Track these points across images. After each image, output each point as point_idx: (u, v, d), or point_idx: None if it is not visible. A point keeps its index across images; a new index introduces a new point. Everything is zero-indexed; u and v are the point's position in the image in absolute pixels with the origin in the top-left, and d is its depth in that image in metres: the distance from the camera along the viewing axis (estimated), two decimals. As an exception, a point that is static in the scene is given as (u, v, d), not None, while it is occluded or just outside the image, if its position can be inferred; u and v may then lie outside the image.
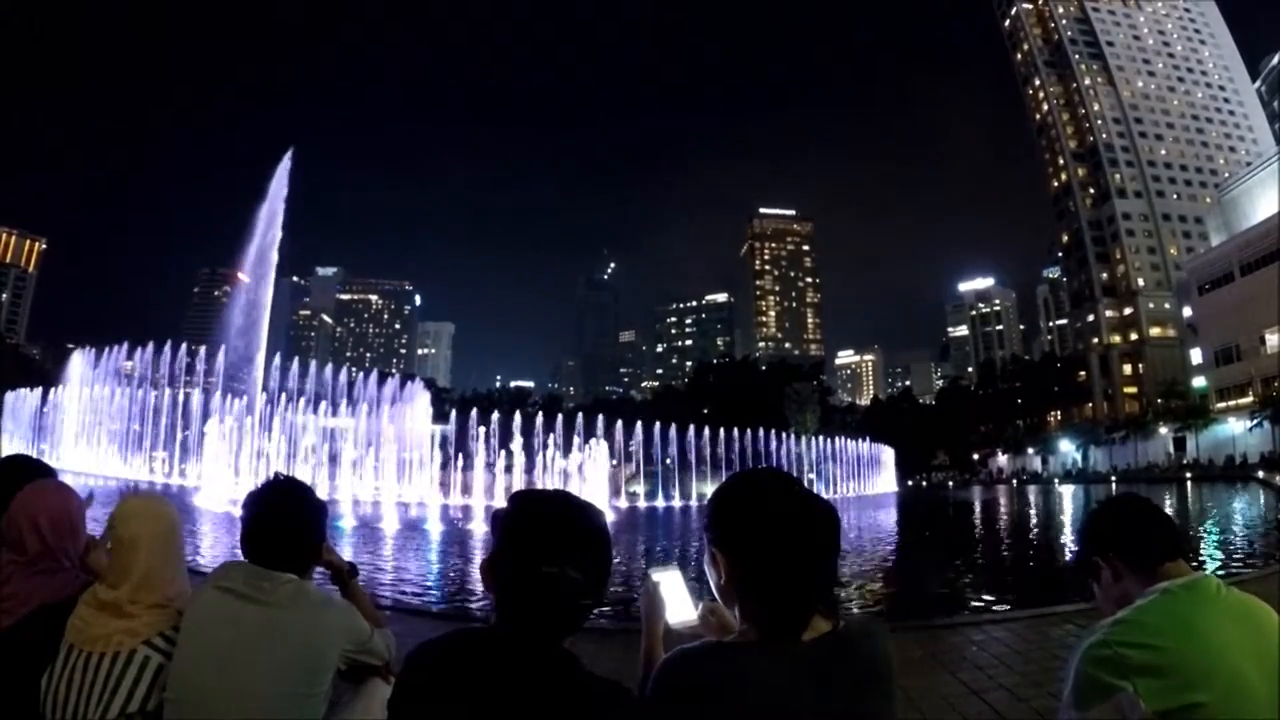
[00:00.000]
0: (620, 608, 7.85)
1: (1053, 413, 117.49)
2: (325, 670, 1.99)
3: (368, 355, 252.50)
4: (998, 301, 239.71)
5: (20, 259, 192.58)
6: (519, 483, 39.25)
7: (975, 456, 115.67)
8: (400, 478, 39.85)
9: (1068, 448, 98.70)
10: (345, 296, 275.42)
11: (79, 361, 44.70)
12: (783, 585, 1.38)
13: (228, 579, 2.01)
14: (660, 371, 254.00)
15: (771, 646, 1.36)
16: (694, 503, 46.09)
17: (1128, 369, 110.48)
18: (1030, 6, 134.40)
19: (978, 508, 36.85)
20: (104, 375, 42.09)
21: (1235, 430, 73.52)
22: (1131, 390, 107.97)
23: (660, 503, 48.20)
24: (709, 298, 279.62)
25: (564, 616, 1.40)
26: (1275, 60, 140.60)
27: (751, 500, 1.45)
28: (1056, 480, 79.35)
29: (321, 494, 2.23)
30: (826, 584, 1.44)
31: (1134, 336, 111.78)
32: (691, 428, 53.78)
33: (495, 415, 44.36)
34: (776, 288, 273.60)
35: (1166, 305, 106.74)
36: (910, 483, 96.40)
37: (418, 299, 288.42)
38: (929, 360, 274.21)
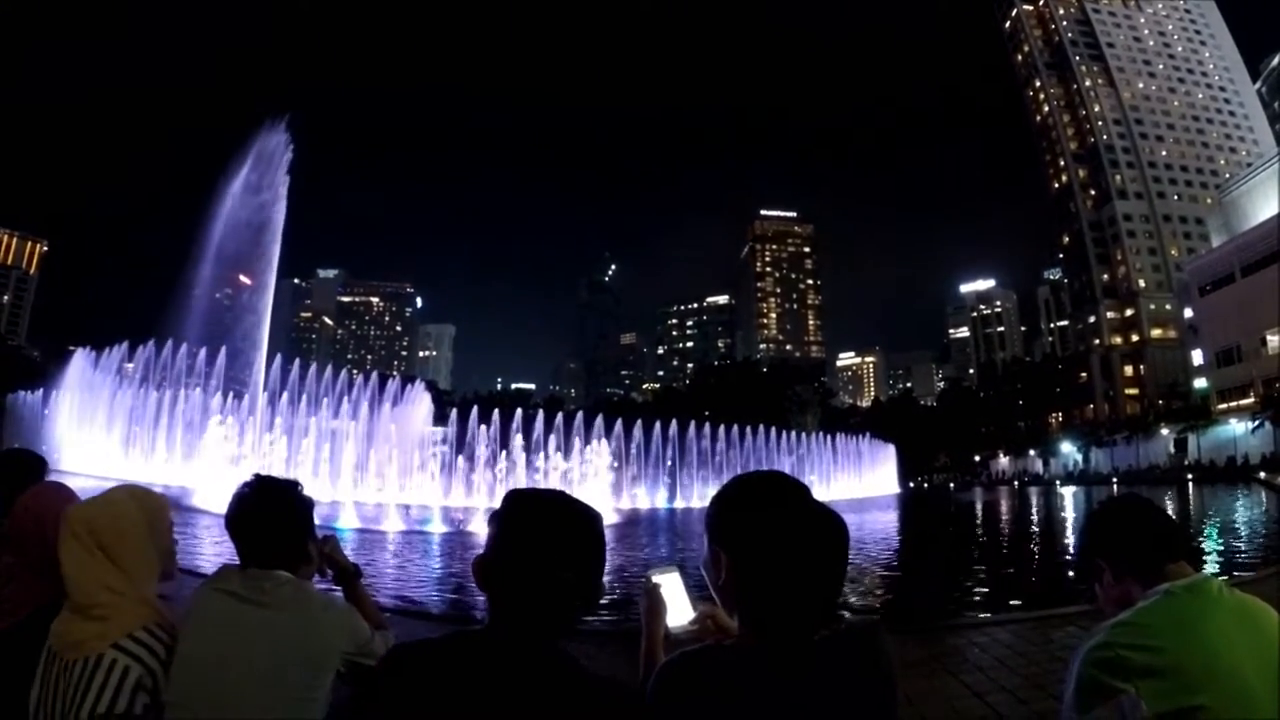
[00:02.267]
0: (619, 610, 7.84)
1: (1054, 414, 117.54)
2: (325, 672, 1.99)
3: (369, 357, 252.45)
4: (999, 303, 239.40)
5: (21, 261, 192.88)
6: (520, 484, 39.17)
7: (976, 458, 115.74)
8: (401, 479, 39.83)
9: (1069, 449, 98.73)
10: (346, 298, 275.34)
11: (79, 362, 44.70)
12: (783, 589, 1.35)
13: (226, 582, 2.02)
14: (661, 373, 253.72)
15: (772, 649, 1.33)
16: (695, 505, 46.04)
17: (1129, 370, 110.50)
18: (1031, 8, 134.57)
19: (979, 509, 36.85)
20: (104, 376, 42.09)
21: (1237, 431, 73.45)
22: (1133, 391, 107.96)
23: (662, 504, 48.18)
24: (710, 300, 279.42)
25: (555, 617, 1.38)
26: (1276, 61, 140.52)
27: (757, 500, 1.42)
28: (1058, 482, 79.27)
29: (323, 496, 2.23)
30: (831, 594, 1.39)
31: (1135, 338, 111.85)
32: (693, 429, 53.76)
33: (496, 416, 44.30)
34: (777, 289, 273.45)
35: (1167, 306, 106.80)
36: (912, 484, 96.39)
37: (419, 301, 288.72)
38: (930, 362, 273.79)
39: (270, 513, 2.13)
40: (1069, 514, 29.64)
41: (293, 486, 2.21)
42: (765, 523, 1.38)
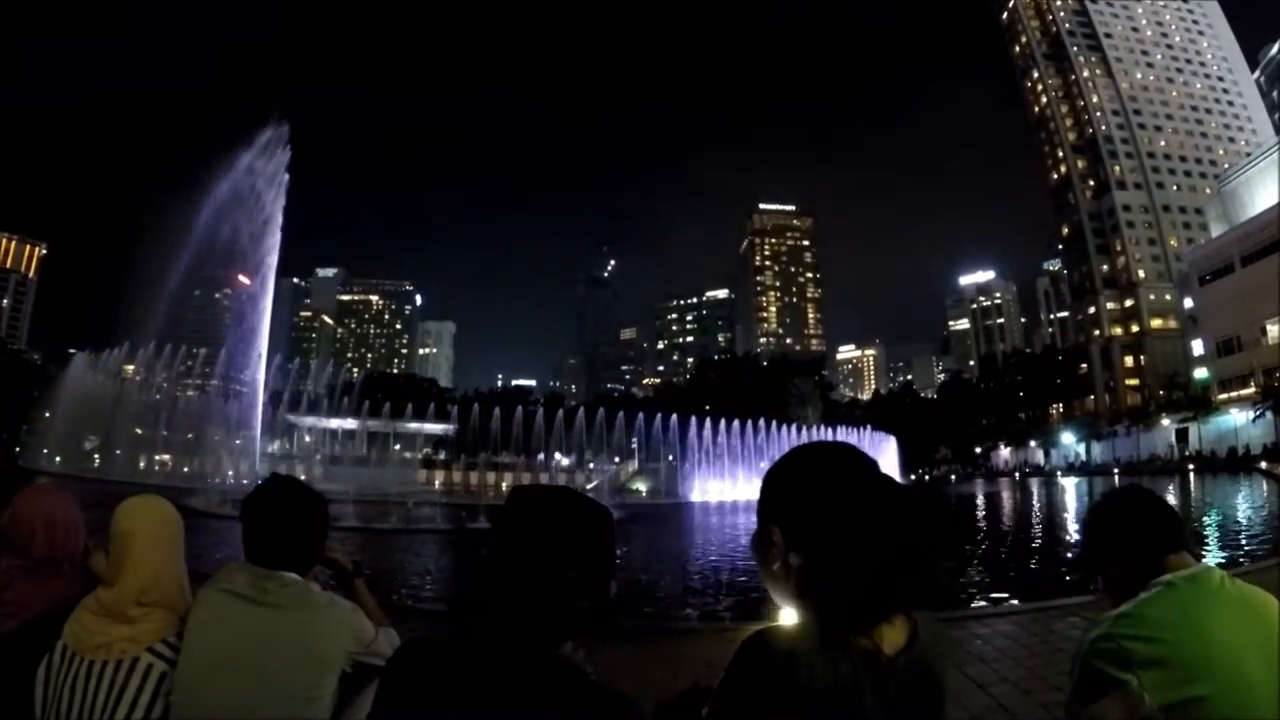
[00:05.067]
0: (631, 608, 7.83)
1: (1054, 406, 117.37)
2: (330, 671, 1.99)
3: (369, 355, 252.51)
4: (998, 295, 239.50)
5: (20, 264, 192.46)
6: (522, 480, 39.27)
7: (978, 450, 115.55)
8: (401, 478, 39.91)
9: (1070, 440, 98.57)
10: (346, 297, 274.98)
11: (79, 365, 44.68)
12: (855, 571, 1.18)
13: (230, 581, 2.01)
14: (661, 368, 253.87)
15: (864, 660, 1.14)
16: (696, 499, 46.04)
17: (1129, 361, 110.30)
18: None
19: (981, 501, 36.86)
20: (105, 378, 42.08)
21: (1238, 421, 73.31)
22: (1133, 382, 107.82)
23: (662, 499, 48.18)
24: (709, 294, 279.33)
25: (559, 618, 1.31)
26: (1274, 50, 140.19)
27: (831, 472, 1.25)
28: (1059, 473, 79.26)
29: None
30: (915, 577, 1.23)
31: (1135, 328, 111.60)
32: (693, 424, 53.74)
33: (497, 413, 44.31)
34: (777, 283, 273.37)
35: (1167, 297, 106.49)
36: (913, 476, 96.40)
37: (418, 299, 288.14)
38: (930, 354, 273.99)
39: (289, 514, 2.12)
40: (1070, 505, 29.66)
41: (309, 489, 2.21)
42: (835, 490, 1.22)
